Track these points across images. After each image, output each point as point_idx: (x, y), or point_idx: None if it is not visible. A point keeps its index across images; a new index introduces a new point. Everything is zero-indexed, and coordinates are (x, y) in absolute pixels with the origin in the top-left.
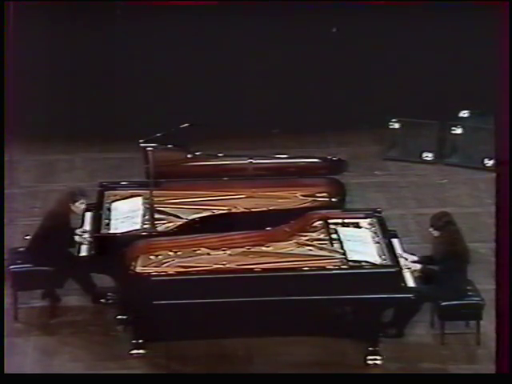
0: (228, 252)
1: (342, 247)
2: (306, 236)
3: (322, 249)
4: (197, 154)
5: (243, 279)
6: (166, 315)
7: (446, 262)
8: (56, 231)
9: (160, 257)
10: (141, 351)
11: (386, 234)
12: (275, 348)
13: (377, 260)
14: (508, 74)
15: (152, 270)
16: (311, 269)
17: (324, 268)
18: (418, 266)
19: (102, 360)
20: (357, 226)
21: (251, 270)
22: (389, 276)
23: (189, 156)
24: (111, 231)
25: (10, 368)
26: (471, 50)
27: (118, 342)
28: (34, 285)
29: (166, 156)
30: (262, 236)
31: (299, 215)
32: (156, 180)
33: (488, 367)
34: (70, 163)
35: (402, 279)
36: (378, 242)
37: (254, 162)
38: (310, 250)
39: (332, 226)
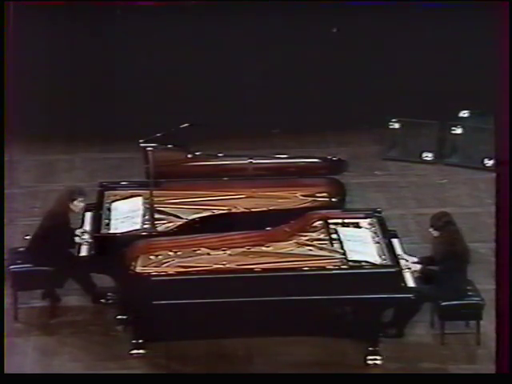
0: (228, 252)
1: (342, 247)
2: (305, 236)
3: (321, 249)
4: (197, 153)
5: (243, 279)
6: (166, 315)
7: (446, 262)
8: (56, 231)
9: (160, 257)
10: (141, 351)
11: (386, 234)
12: (275, 348)
13: (377, 260)
14: (508, 73)
15: (152, 270)
16: (311, 269)
17: (324, 268)
18: (418, 267)
19: (101, 360)
20: (357, 226)
21: (251, 270)
22: (389, 276)
23: (189, 156)
24: (111, 231)
25: (9, 368)
26: (471, 50)
27: (118, 342)
28: (34, 285)
29: (166, 156)
30: (262, 236)
31: (299, 215)
32: (156, 180)
33: (488, 367)
34: (70, 163)
35: (402, 279)
36: (378, 242)
37: (254, 162)
38: (310, 249)
39: (332, 226)
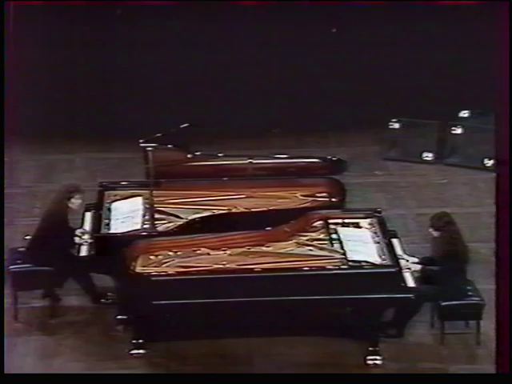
0: (228, 252)
1: (341, 247)
2: (305, 236)
3: (322, 249)
4: (197, 153)
5: (243, 279)
6: (166, 315)
7: (446, 262)
8: (55, 230)
9: (160, 257)
10: (141, 351)
11: (386, 234)
12: (275, 348)
13: (377, 260)
14: (508, 73)
15: (152, 270)
16: (311, 269)
17: (324, 268)
18: (418, 267)
19: (102, 360)
20: (357, 225)
21: (251, 270)
22: (389, 276)
23: (189, 156)
24: (111, 231)
25: (9, 368)
26: (471, 50)
27: (118, 342)
28: (34, 285)
29: (166, 156)
30: (262, 236)
31: (299, 215)
32: (156, 180)
33: (488, 367)
34: (70, 163)
35: (402, 279)
36: (378, 242)
37: (254, 162)
38: (310, 249)
39: (332, 226)
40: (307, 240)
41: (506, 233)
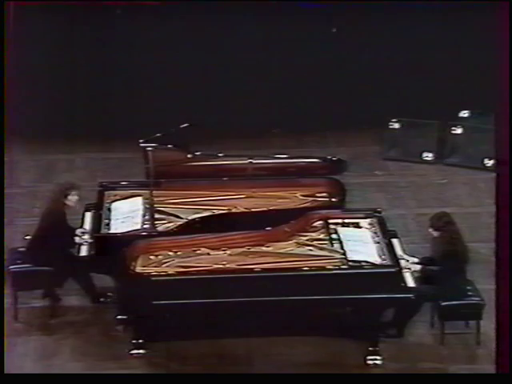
0: (228, 252)
1: (341, 247)
2: (305, 236)
3: (322, 249)
4: (197, 153)
5: (243, 279)
6: (166, 315)
7: (446, 262)
8: (54, 229)
9: (160, 257)
10: (141, 351)
11: (386, 234)
12: (275, 348)
13: (377, 260)
14: (508, 73)
15: (152, 270)
16: (311, 269)
17: (324, 268)
18: (418, 267)
19: (102, 360)
20: (357, 225)
21: (251, 270)
22: (389, 276)
23: (189, 156)
24: (111, 231)
25: (9, 368)
26: (471, 50)
27: (118, 342)
28: (34, 285)
29: (165, 156)
30: (262, 236)
31: (299, 215)
32: (156, 180)
33: (488, 367)
34: (70, 163)
35: (402, 279)
36: (378, 242)
37: (254, 162)
38: (310, 249)
39: (332, 226)
40: (307, 240)
41: (506, 233)
